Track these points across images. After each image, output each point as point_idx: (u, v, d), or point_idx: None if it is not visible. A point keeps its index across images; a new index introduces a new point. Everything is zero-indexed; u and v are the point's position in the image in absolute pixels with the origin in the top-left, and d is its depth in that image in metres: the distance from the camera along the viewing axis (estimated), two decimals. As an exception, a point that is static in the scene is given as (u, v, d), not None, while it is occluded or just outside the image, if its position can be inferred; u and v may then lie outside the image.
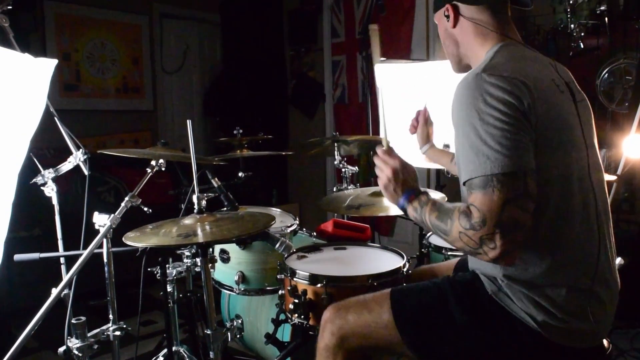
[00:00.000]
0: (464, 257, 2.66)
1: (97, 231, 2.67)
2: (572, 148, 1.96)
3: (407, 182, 2.19)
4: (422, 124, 3.12)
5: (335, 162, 4.06)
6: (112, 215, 2.67)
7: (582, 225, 1.95)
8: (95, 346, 2.63)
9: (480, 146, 1.78)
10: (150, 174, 2.82)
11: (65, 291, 2.67)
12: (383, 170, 2.23)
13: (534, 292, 1.92)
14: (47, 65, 1.79)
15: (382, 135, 2.50)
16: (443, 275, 2.53)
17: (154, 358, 3.27)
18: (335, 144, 3.94)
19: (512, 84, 1.82)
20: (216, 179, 3.06)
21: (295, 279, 2.56)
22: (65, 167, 2.79)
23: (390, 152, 2.28)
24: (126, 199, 2.71)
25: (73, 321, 2.57)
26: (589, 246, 1.97)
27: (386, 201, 3.01)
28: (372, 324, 2.16)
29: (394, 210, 3.11)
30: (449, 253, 3.14)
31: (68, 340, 2.58)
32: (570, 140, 1.96)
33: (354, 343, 2.21)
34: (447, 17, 2.19)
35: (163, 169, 2.86)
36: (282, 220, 3.44)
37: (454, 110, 1.92)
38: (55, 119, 2.71)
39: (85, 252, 2.50)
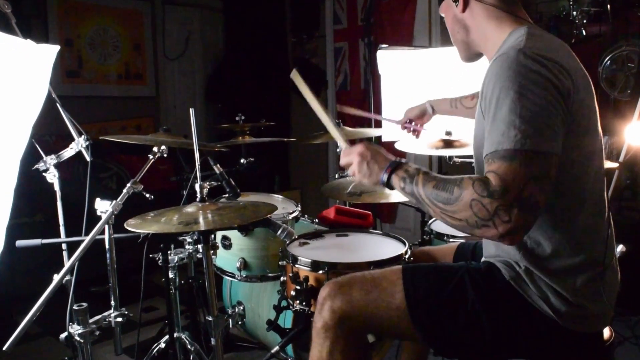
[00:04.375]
0: (465, 241, 2.66)
1: (99, 217, 2.68)
2: (594, 133, 1.96)
3: (379, 155, 2.12)
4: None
5: (338, 149, 4.06)
6: (114, 201, 2.68)
7: (594, 209, 1.98)
8: (97, 332, 2.63)
9: (514, 120, 1.72)
10: (152, 160, 2.83)
11: (67, 277, 2.67)
12: (350, 159, 2.17)
13: (552, 279, 1.93)
14: (49, 52, 1.79)
15: (336, 138, 2.46)
16: (441, 258, 2.54)
17: (156, 344, 3.27)
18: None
19: (554, 66, 1.79)
20: (218, 165, 3.06)
21: (297, 265, 2.57)
22: (67, 153, 2.79)
23: (349, 147, 2.24)
24: (128, 185, 2.72)
25: (75, 307, 2.57)
26: (603, 230, 2.00)
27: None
28: (381, 304, 2.11)
29: (395, 197, 3.11)
30: (451, 240, 3.13)
31: (70, 327, 2.59)
32: (594, 126, 1.97)
33: (357, 322, 2.16)
34: (456, 1, 2.15)
35: (165, 155, 2.87)
36: (284, 207, 3.44)
37: (488, 84, 1.86)
38: (58, 105, 2.71)
39: (87, 239, 2.51)
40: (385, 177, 2.04)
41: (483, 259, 2.20)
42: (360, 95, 7.10)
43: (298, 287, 2.50)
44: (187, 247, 3.19)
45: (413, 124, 3.20)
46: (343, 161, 2.23)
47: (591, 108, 1.95)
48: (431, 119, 3.17)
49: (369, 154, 2.12)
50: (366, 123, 4.80)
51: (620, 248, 3.12)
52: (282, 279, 2.72)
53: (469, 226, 1.77)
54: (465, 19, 2.18)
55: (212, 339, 2.55)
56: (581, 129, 1.88)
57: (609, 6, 4.86)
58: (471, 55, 2.28)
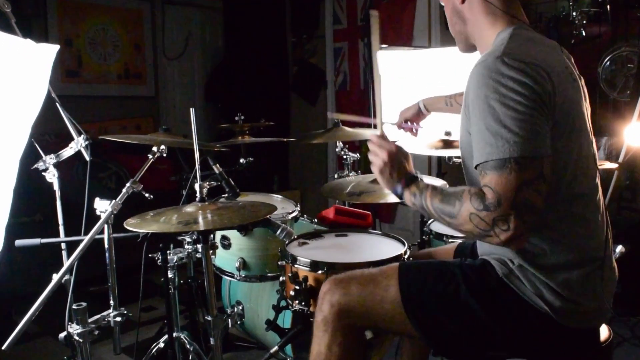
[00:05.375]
0: (463, 241, 2.67)
1: (99, 217, 2.68)
2: (583, 133, 1.98)
3: (402, 166, 2.20)
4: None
5: (337, 149, 4.06)
6: (114, 201, 2.68)
7: (589, 209, 1.99)
8: (96, 332, 2.63)
9: (499, 129, 1.76)
10: (152, 160, 2.83)
11: (66, 277, 2.67)
12: (378, 155, 2.23)
13: (546, 275, 1.94)
14: (49, 51, 1.79)
15: (378, 120, 2.45)
16: (441, 258, 2.54)
17: (155, 344, 3.27)
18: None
19: (534, 70, 1.81)
20: (218, 165, 3.06)
21: (296, 265, 2.57)
22: (67, 152, 2.79)
23: (385, 136, 2.28)
24: (127, 184, 2.72)
25: (74, 307, 2.57)
26: (598, 228, 2.01)
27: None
28: (377, 297, 2.14)
29: (395, 197, 3.11)
30: (450, 240, 3.13)
31: (69, 326, 2.59)
32: (582, 125, 1.98)
33: (354, 317, 2.17)
34: None
35: (164, 155, 2.87)
36: (284, 207, 3.44)
37: (470, 91, 1.90)
38: (57, 104, 2.70)
39: (87, 238, 2.51)
40: (399, 188, 2.17)
41: (479, 253, 2.22)
42: (359, 95, 7.10)
43: (297, 287, 2.50)
44: (186, 246, 3.18)
45: (409, 123, 3.21)
46: (372, 147, 2.29)
47: (580, 107, 1.97)
48: (426, 117, 3.17)
49: (395, 159, 2.21)
50: (366, 124, 4.79)
51: (619, 248, 3.12)
52: (281, 278, 2.72)
53: (474, 237, 1.95)
54: (463, 10, 2.19)
55: (211, 339, 2.56)
56: (568, 128, 1.89)
57: (608, 7, 4.86)
58: (468, 46, 2.30)
